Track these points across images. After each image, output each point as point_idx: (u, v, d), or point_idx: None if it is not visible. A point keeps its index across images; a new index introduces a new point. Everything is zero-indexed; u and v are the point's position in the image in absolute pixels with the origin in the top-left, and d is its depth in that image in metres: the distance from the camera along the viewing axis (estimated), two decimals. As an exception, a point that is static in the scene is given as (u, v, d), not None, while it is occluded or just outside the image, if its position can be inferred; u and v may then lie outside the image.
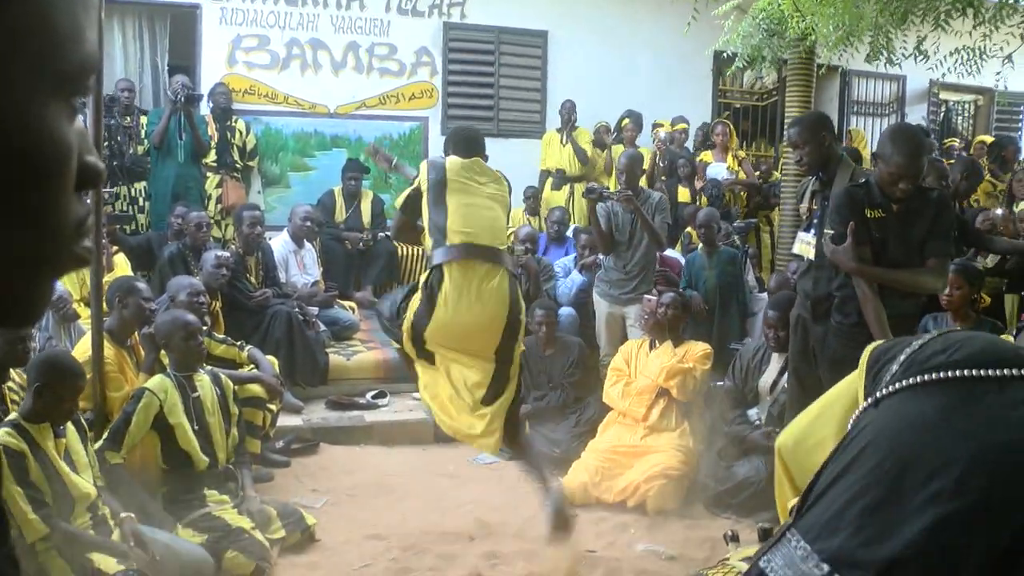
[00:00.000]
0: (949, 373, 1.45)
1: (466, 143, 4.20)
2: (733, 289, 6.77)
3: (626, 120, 9.43)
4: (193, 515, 4.20)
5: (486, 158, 4.23)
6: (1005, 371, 1.40)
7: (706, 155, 9.29)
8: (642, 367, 5.46)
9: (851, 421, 1.57)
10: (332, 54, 9.20)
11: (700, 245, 6.85)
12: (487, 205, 3.98)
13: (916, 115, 11.68)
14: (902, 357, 1.53)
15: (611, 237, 6.19)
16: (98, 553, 3.62)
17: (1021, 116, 12.59)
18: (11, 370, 4.19)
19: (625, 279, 6.14)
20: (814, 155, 4.45)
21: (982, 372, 1.42)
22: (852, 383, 1.72)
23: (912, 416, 1.48)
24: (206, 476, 4.37)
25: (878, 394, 1.51)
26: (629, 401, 5.34)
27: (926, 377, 1.46)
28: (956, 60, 6.95)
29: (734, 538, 2.96)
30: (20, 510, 3.47)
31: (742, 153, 9.47)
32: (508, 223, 3.94)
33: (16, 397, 4.18)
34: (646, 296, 6.05)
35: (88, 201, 0.64)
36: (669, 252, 7.28)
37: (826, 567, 1.43)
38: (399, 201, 4.20)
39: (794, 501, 1.89)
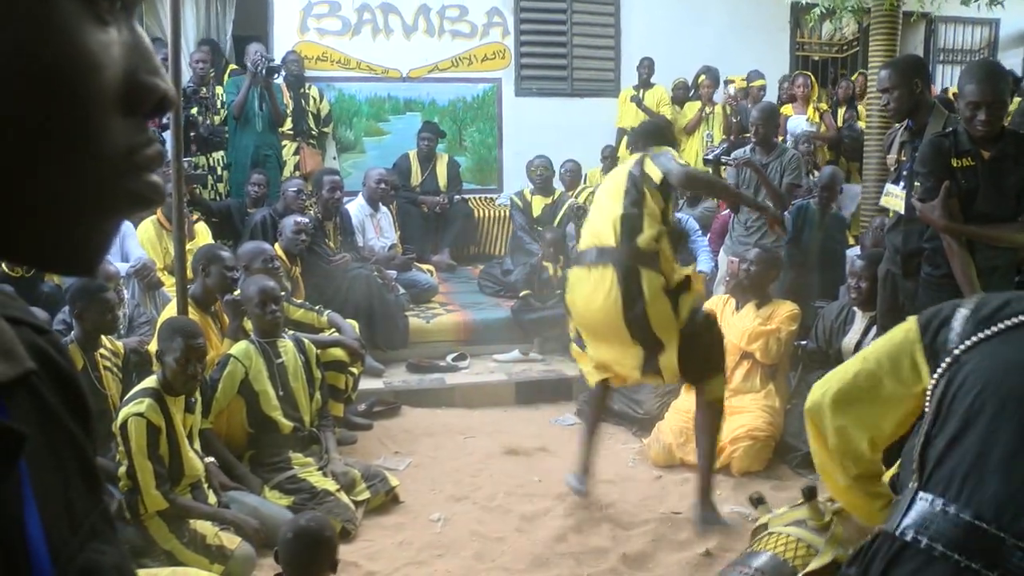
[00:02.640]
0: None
1: (639, 137, 4.24)
2: (836, 255, 6.59)
3: (702, 76, 9.26)
4: (279, 478, 4.27)
5: (671, 144, 4.21)
6: None
7: (786, 108, 9.06)
8: (726, 328, 5.34)
9: (931, 381, 1.65)
10: (403, 18, 9.17)
11: (815, 199, 6.65)
12: (600, 203, 4.01)
13: (1010, 61, 11.17)
14: (961, 316, 1.66)
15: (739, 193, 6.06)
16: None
17: None
18: (103, 338, 4.29)
19: (746, 234, 6.01)
20: (903, 100, 4.25)
21: None
22: (897, 346, 1.77)
23: (1010, 360, 1.57)
24: (291, 439, 4.43)
25: (958, 351, 1.61)
26: (712, 364, 5.23)
27: (1002, 325, 1.58)
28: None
29: (760, 501, 2.83)
30: (146, 483, 3.57)
31: (823, 106, 9.20)
32: (628, 204, 3.81)
33: (108, 363, 4.28)
34: (730, 257, 5.93)
35: (156, 138, 0.58)
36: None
37: (989, 526, 1.42)
38: None
39: (890, 472, 1.84)
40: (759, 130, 6.02)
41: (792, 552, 2.41)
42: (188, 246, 5.01)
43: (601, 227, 3.85)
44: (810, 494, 2.49)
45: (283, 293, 4.92)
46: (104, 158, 0.52)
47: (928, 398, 1.64)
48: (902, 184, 4.35)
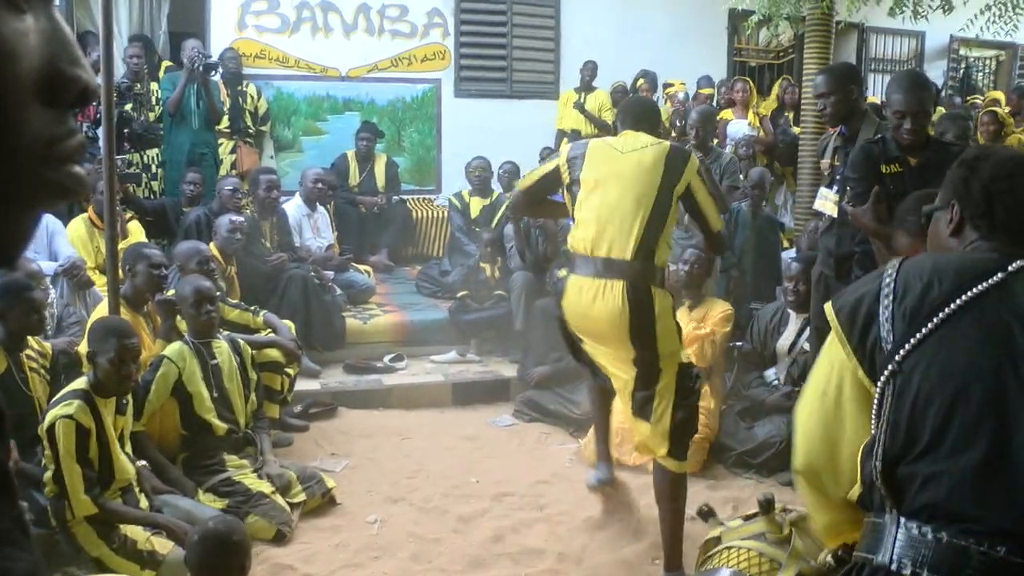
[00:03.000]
0: (958, 301, 1.56)
1: (633, 114, 3.72)
2: (769, 255, 6.69)
3: (641, 80, 9.34)
4: (213, 480, 4.21)
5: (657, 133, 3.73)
6: (995, 277, 1.55)
7: (726, 113, 9.18)
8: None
9: (875, 392, 1.59)
10: (343, 16, 9.10)
11: (746, 201, 6.76)
12: (616, 199, 3.41)
13: (935, 72, 11.51)
14: (885, 308, 1.61)
15: None
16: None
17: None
18: (30, 338, 4.18)
19: (685, 237, 6.05)
20: (839, 106, 4.35)
21: (980, 287, 1.55)
22: (833, 362, 1.69)
23: (958, 358, 1.54)
24: (225, 441, 4.37)
25: (898, 357, 1.56)
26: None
27: (936, 320, 1.55)
28: (987, 17, 6.75)
29: (710, 514, 2.76)
30: (74, 487, 3.49)
31: (763, 110, 9.33)
32: (655, 215, 3.36)
33: (35, 365, 4.17)
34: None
35: (79, 129, 0.56)
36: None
37: (988, 548, 1.41)
38: (530, 176, 3.76)
39: (854, 491, 1.72)
40: (698, 133, 6.08)
41: (756, 567, 2.33)
42: (121, 245, 4.92)
43: (616, 237, 3.36)
44: (767, 506, 2.44)
45: (218, 293, 4.85)
46: (23, 148, 0.51)
47: (874, 413, 1.58)
48: (835, 188, 4.44)
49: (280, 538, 3.97)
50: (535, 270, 6.53)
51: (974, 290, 1.55)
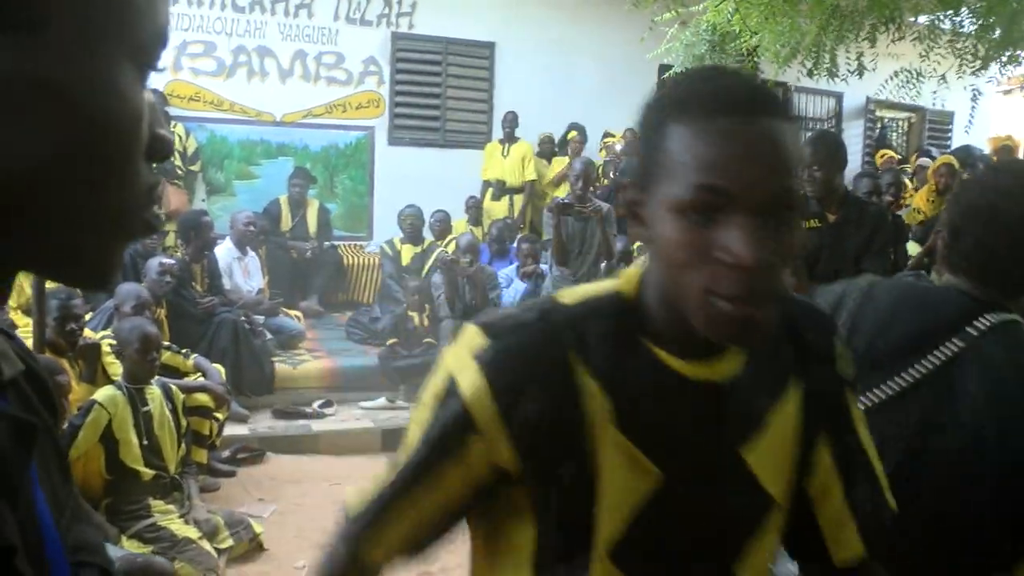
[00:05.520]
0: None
1: None
2: None
3: (573, 132, 9.51)
4: (138, 526, 4.17)
5: None
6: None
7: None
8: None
9: None
10: (279, 62, 9.15)
11: None
12: None
13: (853, 130, 11.97)
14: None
15: (565, 247, 6.23)
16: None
17: (950, 133, 12.88)
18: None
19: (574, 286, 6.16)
20: None
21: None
22: None
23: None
24: (152, 486, 4.33)
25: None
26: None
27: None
28: (896, 82, 7.06)
29: None
30: None
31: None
32: None
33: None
34: None
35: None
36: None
37: None
38: None
39: None
40: (581, 182, 6.20)
41: None
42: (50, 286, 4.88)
43: None
44: None
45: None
46: (137, 194, 0.62)
47: None
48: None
49: (206, 585, 3.96)
50: (464, 318, 6.61)
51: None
